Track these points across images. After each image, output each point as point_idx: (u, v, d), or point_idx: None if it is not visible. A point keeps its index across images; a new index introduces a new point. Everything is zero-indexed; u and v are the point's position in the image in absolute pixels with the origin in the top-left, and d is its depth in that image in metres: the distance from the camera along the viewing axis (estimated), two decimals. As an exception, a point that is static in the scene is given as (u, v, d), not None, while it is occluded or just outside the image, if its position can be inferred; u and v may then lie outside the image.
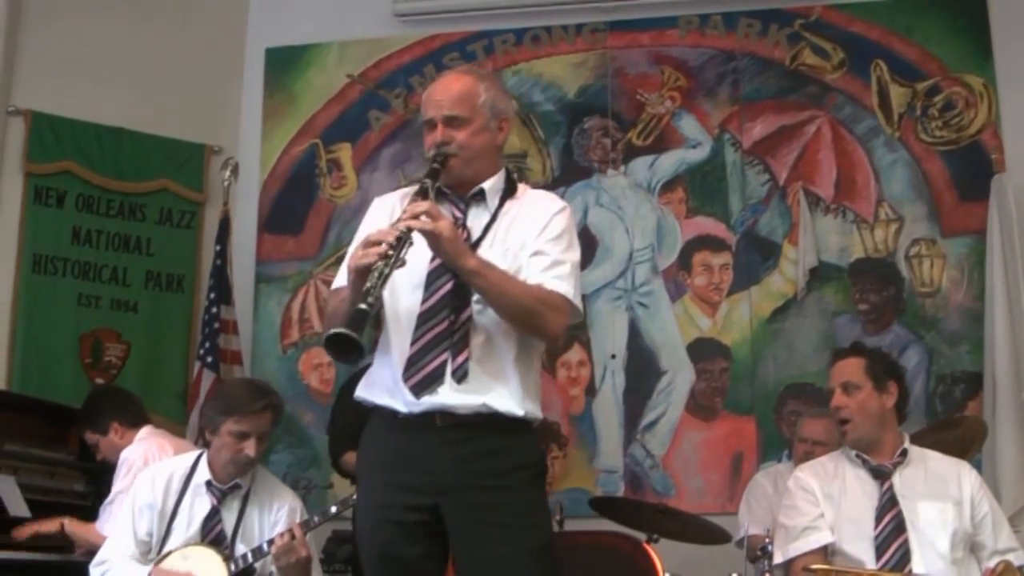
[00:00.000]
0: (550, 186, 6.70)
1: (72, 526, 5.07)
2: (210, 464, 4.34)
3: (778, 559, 4.04)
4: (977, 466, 4.77)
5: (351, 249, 3.26)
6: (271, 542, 4.12)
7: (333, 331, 2.86)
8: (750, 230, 6.53)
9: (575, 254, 3.33)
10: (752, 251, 6.51)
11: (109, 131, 6.82)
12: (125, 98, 6.86)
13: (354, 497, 4.13)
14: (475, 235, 3.30)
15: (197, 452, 4.47)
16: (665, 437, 6.35)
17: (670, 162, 6.68)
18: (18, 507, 5.26)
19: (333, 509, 4.22)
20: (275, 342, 6.98)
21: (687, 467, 6.29)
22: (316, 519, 4.22)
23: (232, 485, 4.30)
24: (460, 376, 3.17)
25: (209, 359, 6.47)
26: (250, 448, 4.22)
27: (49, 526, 5.10)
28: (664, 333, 6.51)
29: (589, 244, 6.63)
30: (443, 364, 3.18)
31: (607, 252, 6.66)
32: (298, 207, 7.12)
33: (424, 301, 3.21)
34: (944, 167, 6.37)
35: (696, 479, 6.25)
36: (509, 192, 3.38)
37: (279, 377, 6.85)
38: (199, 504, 4.28)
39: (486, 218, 3.33)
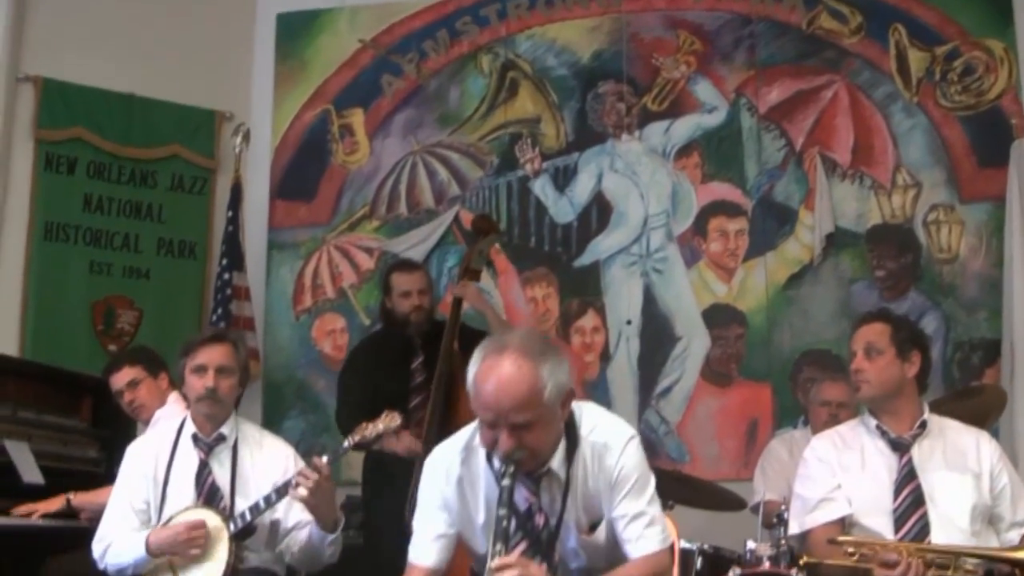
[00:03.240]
0: (564, 151, 6.70)
1: (78, 499, 5.05)
2: (192, 420, 4.31)
3: (794, 530, 3.99)
4: (995, 434, 4.72)
5: (416, 522, 3.31)
6: (268, 499, 4.05)
7: None
8: (766, 196, 6.48)
9: (650, 491, 3.22)
10: (768, 217, 6.46)
11: (119, 97, 6.80)
12: (135, 64, 6.84)
13: (348, 445, 4.07)
14: (554, 516, 3.17)
15: (182, 416, 4.43)
16: (680, 403, 6.33)
17: (685, 127, 6.62)
18: (32, 474, 5.25)
19: (345, 444, 4.13)
20: (288, 309, 6.98)
21: (702, 434, 6.25)
22: (328, 457, 4.11)
23: (217, 436, 4.26)
24: None
25: (222, 325, 6.45)
26: (208, 379, 4.17)
27: (53, 504, 5.06)
28: (679, 299, 6.48)
29: (603, 210, 6.65)
30: None
31: (621, 218, 6.63)
32: (310, 173, 7.10)
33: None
34: (963, 133, 6.30)
35: (711, 446, 6.22)
36: (572, 447, 3.19)
37: (292, 344, 6.87)
38: (189, 462, 4.24)
39: (559, 491, 3.17)
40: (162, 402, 5.04)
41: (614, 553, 3.23)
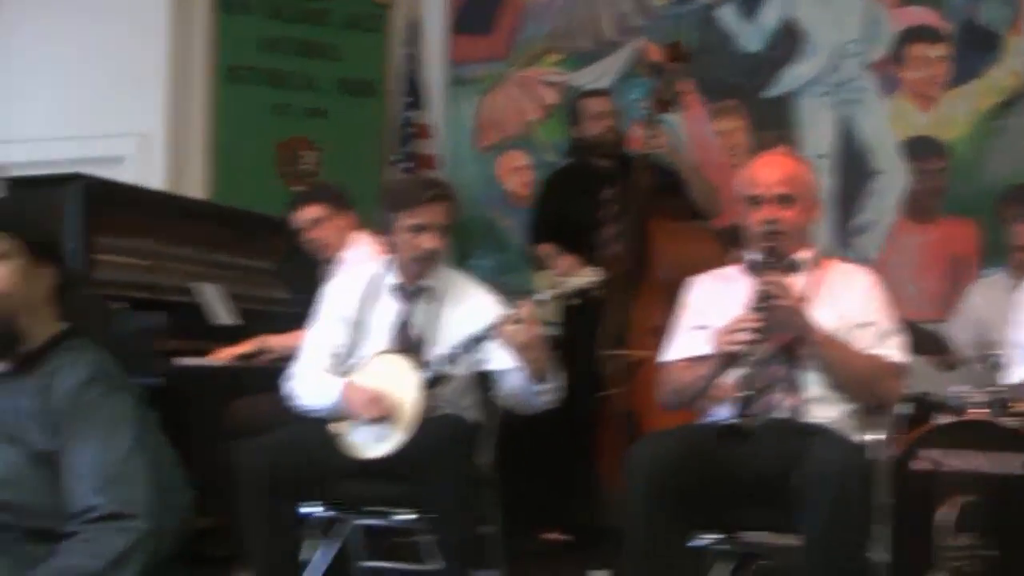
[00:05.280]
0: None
1: (271, 341, 5.08)
2: (398, 267, 4.25)
3: (1018, 377, 3.80)
4: None
5: (682, 323, 3.73)
6: (462, 347, 3.96)
7: (731, 423, 3.24)
8: (969, 19, 6.08)
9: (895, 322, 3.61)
10: (971, 42, 6.06)
11: (289, -67, 6.75)
12: None
13: (547, 297, 3.94)
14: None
15: (375, 259, 4.38)
16: (878, 241, 6.10)
17: (883, -53, 6.25)
18: (223, 316, 5.32)
19: (542, 296, 4.02)
20: (470, 146, 6.93)
21: (901, 272, 6.00)
22: (546, 296, 4.01)
23: (420, 286, 4.19)
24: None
25: (404, 164, 6.45)
26: (427, 241, 4.08)
27: (247, 347, 5.11)
28: (876, 131, 6.19)
29: (793, 38, 6.37)
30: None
31: (814, 46, 6.32)
32: (488, 6, 6.98)
33: None
34: None
35: (910, 285, 5.98)
36: (817, 263, 3.67)
37: (476, 181, 6.83)
38: (388, 310, 4.18)
39: (803, 283, 3.60)
40: (345, 241, 5.03)
41: None
